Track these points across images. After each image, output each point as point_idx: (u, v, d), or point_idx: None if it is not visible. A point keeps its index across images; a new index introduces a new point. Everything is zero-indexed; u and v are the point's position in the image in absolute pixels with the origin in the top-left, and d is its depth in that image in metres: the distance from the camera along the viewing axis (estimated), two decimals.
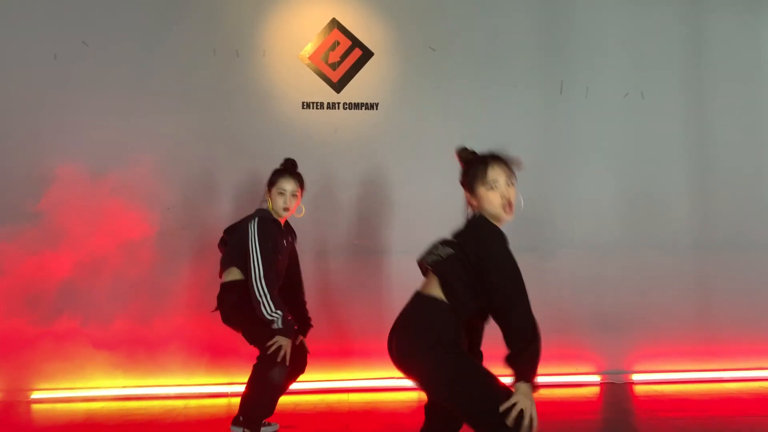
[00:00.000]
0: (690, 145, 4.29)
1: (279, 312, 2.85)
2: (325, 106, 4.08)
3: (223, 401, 3.73)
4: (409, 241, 4.00)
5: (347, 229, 4.07)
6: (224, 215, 3.86)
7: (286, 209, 3.01)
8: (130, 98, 3.94)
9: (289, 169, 3.09)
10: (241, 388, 2.99)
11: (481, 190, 2.20)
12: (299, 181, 3.07)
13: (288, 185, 3.01)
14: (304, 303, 3.26)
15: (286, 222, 3.17)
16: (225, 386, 3.82)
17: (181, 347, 3.89)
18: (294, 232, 3.24)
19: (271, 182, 3.05)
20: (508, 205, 2.19)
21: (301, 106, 4.06)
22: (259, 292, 2.85)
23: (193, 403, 3.71)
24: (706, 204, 4.27)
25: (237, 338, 3.09)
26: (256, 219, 2.96)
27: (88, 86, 3.92)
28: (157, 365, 3.87)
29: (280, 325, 2.84)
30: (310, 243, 3.87)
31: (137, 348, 3.87)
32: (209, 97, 3.99)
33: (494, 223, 2.20)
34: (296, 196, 3.05)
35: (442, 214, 3.96)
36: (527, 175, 4.00)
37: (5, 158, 3.85)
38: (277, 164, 3.20)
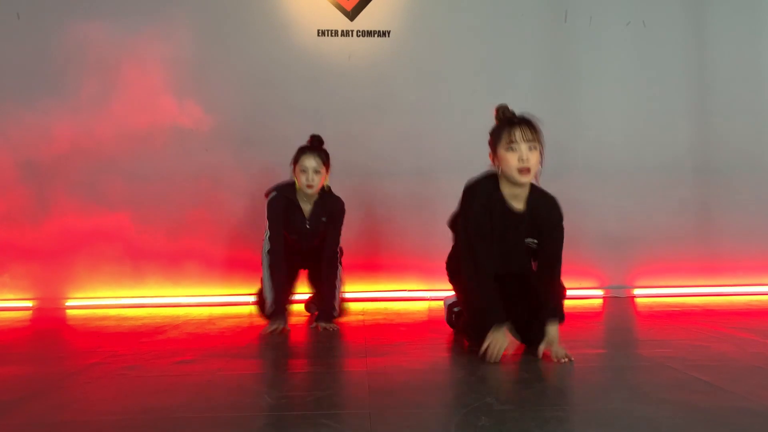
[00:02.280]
0: (691, 71, 4.45)
1: (271, 297, 3.01)
2: (340, 33, 4.28)
3: (245, 310, 3.96)
4: (419, 165, 4.25)
5: (361, 153, 4.27)
6: (241, 140, 4.09)
7: (309, 186, 3.01)
8: (147, 27, 4.17)
9: (312, 146, 3.07)
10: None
11: (501, 151, 2.24)
12: (323, 157, 3.05)
13: (309, 162, 3.00)
14: (327, 295, 3.15)
15: (324, 199, 3.14)
16: (247, 296, 4.04)
17: (209, 260, 4.14)
18: (335, 209, 3.18)
19: (295, 159, 3.05)
20: (526, 169, 2.20)
21: (316, 34, 4.27)
22: (263, 269, 3.05)
23: (217, 310, 3.93)
24: (707, 127, 4.43)
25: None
26: (271, 197, 3.10)
27: (106, 15, 4.16)
28: (182, 275, 4.13)
29: (269, 310, 3.02)
30: None
31: (165, 259, 4.13)
32: (226, 27, 4.22)
33: (505, 183, 2.30)
34: (319, 173, 3.02)
35: (451, 139, 4.21)
36: (533, 99, 4.26)
37: None
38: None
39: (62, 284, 4.09)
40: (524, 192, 2.32)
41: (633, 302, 4.16)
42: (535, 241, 2.35)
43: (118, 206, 4.13)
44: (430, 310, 3.92)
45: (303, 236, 3.14)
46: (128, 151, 4.14)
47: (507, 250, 2.35)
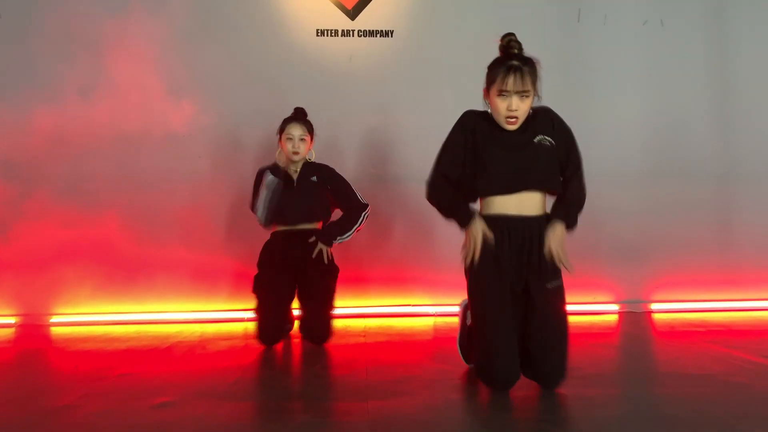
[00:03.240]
0: (710, 73, 4.21)
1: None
2: (340, 33, 4.05)
3: (239, 327, 3.74)
4: (423, 170, 3.98)
5: (362, 158, 4.05)
6: (240, 142, 3.86)
7: (295, 153, 3.17)
8: (145, 28, 3.95)
9: (297, 116, 3.23)
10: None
11: (493, 94, 2.19)
12: (307, 126, 3.22)
13: (296, 131, 3.17)
14: (342, 220, 3.27)
15: (309, 164, 3.27)
16: (242, 312, 3.83)
17: (201, 274, 3.92)
18: (327, 170, 3.29)
19: (281, 129, 3.22)
20: (514, 118, 2.17)
21: (315, 34, 4.04)
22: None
23: (210, 327, 3.72)
24: (727, 132, 4.20)
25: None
26: (258, 169, 3.26)
27: (100, 17, 3.94)
28: (174, 291, 3.91)
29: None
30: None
31: (155, 273, 3.91)
32: (225, 27, 3.99)
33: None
34: (305, 140, 3.19)
35: None
36: (544, 102, 3.99)
37: None
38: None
39: (46, 299, 3.88)
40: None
41: (650, 318, 3.94)
42: (548, 138, 2.24)
43: (104, 213, 3.91)
44: (435, 326, 3.72)
45: (291, 198, 3.18)
46: (118, 154, 3.93)
47: (512, 157, 2.22)
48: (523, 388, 2.15)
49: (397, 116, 4.06)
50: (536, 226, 2.21)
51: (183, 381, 2.41)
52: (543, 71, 4.03)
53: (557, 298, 2.19)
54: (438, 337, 3.38)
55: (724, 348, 2.92)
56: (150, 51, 3.95)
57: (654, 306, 4.09)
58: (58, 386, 2.38)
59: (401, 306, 3.98)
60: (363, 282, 3.98)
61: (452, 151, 2.29)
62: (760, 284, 4.13)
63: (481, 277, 2.19)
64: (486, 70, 2.24)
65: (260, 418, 1.99)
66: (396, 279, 4.03)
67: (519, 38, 2.28)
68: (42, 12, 3.91)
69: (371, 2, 4.06)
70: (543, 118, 2.28)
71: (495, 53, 2.64)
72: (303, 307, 3.20)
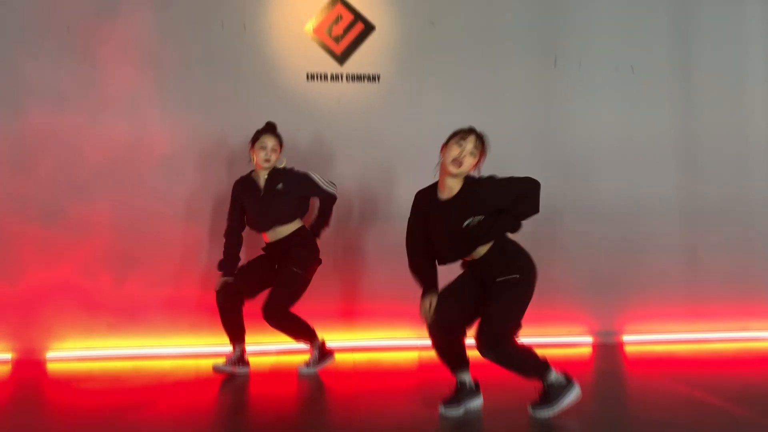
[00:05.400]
0: (678, 116, 4.47)
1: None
2: (329, 77, 4.23)
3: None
4: (409, 208, 4.18)
5: (350, 197, 4.22)
6: (228, 181, 4.00)
7: (267, 161, 3.52)
8: (143, 67, 4.09)
9: (269, 128, 3.58)
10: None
11: (451, 143, 2.75)
12: (278, 138, 3.58)
13: (269, 141, 3.52)
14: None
15: (275, 172, 3.59)
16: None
17: (192, 308, 4.04)
18: (291, 176, 3.59)
19: (254, 139, 3.56)
20: (458, 162, 2.69)
21: (305, 78, 4.21)
22: None
23: (203, 362, 3.85)
24: (694, 171, 4.45)
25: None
26: None
27: (106, 55, 4.07)
28: (168, 325, 4.04)
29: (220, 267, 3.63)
30: (313, 209, 4.03)
31: (149, 309, 4.03)
32: (218, 69, 4.13)
33: (442, 175, 2.80)
34: (276, 150, 3.55)
35: None
36: (522, 143, 4.24)
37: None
38: (282, 132, 3.60)
39: (42, 333, 3.97)
40: (458, 184, 2.76)
41: (623, 351, 4.16)
42: (479, 217, 2.70)
43: (99, 241, 4.02)
44: (420, 359, 3.90)
45: (259, 205, 3.55)
46: (108, 181, 4.05)
47: (451, 237, 2.75)
48: None
49: (384, 157, 4.24)
50: (485, 262, 2.76)
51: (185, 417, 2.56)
52: (522, 112, 4.28)
53: (507, 286, 2.69)
54: (424, 366, 3.56)
55: (689, 388, 3.15)
56: (145, 93, 4.09)
57: (626, 338, 4.32)
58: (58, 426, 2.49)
59: (389, 340, 4.15)
60: (350, 316, 4.15)
61: (414, 233, 2.90)
62: (724, 316, 4.39)
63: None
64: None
65: None
66: (383, 313, 4.19)
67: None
68: (19, 14, 4.03)
69: (359, 48, 4.25)
70: (470, 198, 2.74)
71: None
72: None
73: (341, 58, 4.24)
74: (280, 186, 3.54)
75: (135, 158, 4.07)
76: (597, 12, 4.43)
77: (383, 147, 4.24)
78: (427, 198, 2.84)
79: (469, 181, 2.76)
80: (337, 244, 4.18)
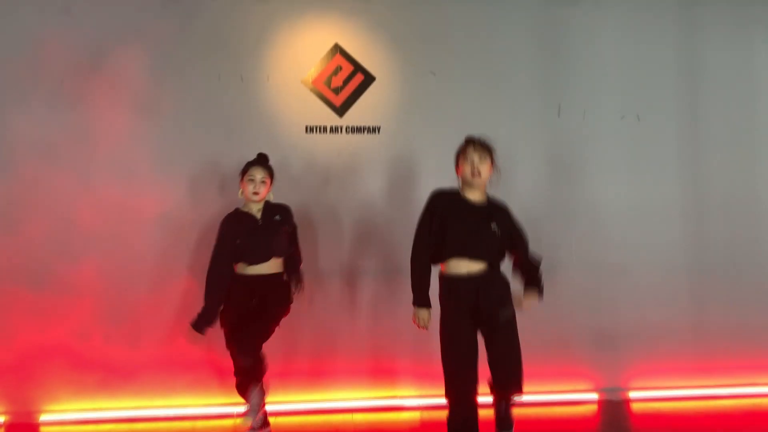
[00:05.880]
0: (684, 167, 4.38)
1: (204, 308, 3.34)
2: (328, 129, 4.15)
3: (229, 422, 3.80)
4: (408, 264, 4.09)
5: (351, 250, 4.14)
6: None
7: (255, 193, 3.40)
8: (137, 120, 4.01)
9: (260, 160, 3.50)
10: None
11: (461, 162, 3.05)
12: (268, 170, 3.48)
13: (257, 173, 3.42)
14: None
15: (270, 204, 3.51)
16: (231, 407, 3.88)
17: (188, 368, 3.95)
18: (284, 211, 3.53)
19: (243, 171, 3.46)
20: (477, 172, 2.97)
21: (304, 130, 4.13)
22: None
23: (200, 424, 3.78)
24: (700, 225, 4.36)
25: None
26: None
27: (100, 107, 3.99)
28: (164, 386, 3.95)
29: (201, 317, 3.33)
30: (312, 264, 3.95)
31: (144, 369, 3.94)
32: (215, 121, 4.04)
33: (465, 186, 3.07)
34: (265, 182, 3.44)
35: None
36: (528, 195, 4.16)
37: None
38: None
39: (35, 395, 3.89)
40: (482, 195, 3.07)
41: (629, 407, 4.08)
42: (497, 228, 3.00)
43: (91, 299, 3.94)
44: (422, 420, 3.82)
45: (259, 235, 3.39)
46: (100, 241, 3.96)
47: (475, 230, 2.97)
48: None
49: (384, 209, 4.15)
50: (486, 282, 2.98)
51: None
52: (525, 162, 4.21)
53: (509, 326, 2.96)
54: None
55: None
56: (143, 144, 4.01)
57: (632, 394, 4.23)
58: None
59: (389, 399, 4.06)
60: (350, 374, 4.06)
61: (426, 230, 3.05)
62: (731, 371, 4.30)
63: (449, 324, 2.94)
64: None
65: None
66: (383, 371, 4.11)
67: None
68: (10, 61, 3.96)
69: (359, 100, 4.17)
70: (495, 210, 3.07)
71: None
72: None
73: (341, 110, 4.16)
74: (278, 217, 3.46)
75: (127, 217, 3.97)
76: (602, 60, 4.35)
77: (383, 198, 4.16)
78: (449, 197, 3.06)
79: (492, 198, 3.11)
80: (334, 300, 4.10)
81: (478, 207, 3.03)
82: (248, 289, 3.37)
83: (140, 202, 3.99)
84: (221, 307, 3.36)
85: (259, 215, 3.44)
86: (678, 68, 4.41)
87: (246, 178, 3.42)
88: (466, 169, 2.97)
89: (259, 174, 3.41)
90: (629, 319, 4.28)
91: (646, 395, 4.22)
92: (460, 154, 3.05)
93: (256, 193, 3.40)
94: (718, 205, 4.37)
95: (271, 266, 3.42)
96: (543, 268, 3.18)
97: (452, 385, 2.89)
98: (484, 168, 2.98)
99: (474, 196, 3.04)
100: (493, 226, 2.98)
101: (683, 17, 4.43)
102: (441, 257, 3.04)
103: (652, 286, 4.30)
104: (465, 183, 3.03)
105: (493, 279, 2.99)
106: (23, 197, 3.92)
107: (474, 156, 2.97)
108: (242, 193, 3.45)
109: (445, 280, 3.03)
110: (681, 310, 4.32)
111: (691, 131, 4.40)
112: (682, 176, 4.37)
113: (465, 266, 2.97)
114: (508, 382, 2.91)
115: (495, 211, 3.05)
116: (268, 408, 3.53)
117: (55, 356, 3.90)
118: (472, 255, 2.96)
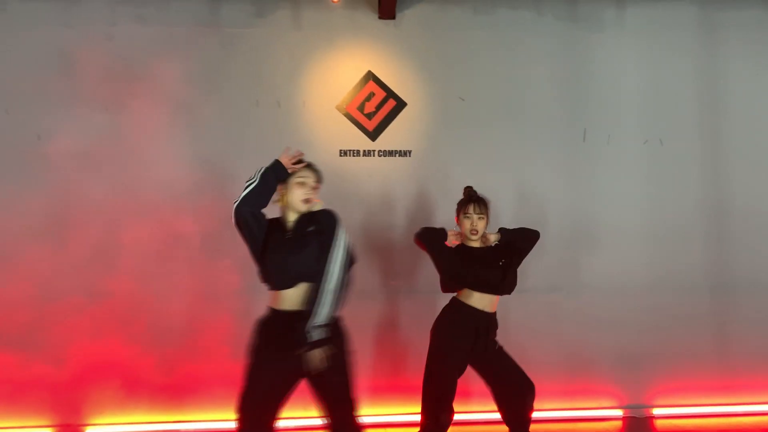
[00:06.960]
0: (707, 189, 4.50)
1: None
2: (361, 153, 4.31)
3: None
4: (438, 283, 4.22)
5: (381, 270, 4.29)
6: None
7: (306, 201, 2.80)
8: (181, 145, 4.21)
9: (310, 165, 2.91)
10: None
11: (461, 217, 3.37)
12: (319, 175, 2.90)
13: (310, 176, 2.84)
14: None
15: (311, 213, 2.83)
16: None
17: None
18: (324, 217, 2.81)
19: (291, 173, 2.84)
20: (475, 231, 3.31)
21: (338, 154, 4.29)
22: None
23: None
24: (723, 246, 4.48)
25: None
26: None
27: (143, 134, 4.19)
28: (210, 401, 4.11)
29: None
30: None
31: (190, 382, 4.11)
32: (253, 146, 4.21)
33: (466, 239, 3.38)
34: (315, 189, 2.85)
35: None
36: (553, 218, 4.29)
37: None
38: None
39: (81, 408, 4.06)
40: (478, 243, 3.37)
41: (653, 424, 4.18)
42: (503, 260, 3.29)
43: (140, 314, 4.11)
44: None
45: (283, 250, 2.73)
46: (147, 256, 4.15)
47: (487, 267, 3.25)
48: None
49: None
50: (494, 319, 3.30)
51: None
52: (550, 186, 4.33)
53: (504, 353, 3.28)
54: None
55: None
56: (171, 168, 4.20)
57: (656, 411, 4.33)
58: None
59: (410, 414, 4.18)
60: (377, 391, 4.20)
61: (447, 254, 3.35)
62: (754, 389, 4.40)
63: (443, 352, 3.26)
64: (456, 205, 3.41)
65: None
66: (409, 388, 4.23)
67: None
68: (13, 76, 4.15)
69: (390, 125, 4.33)
70: (500, 249, 3.35)
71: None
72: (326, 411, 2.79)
73: (373, 135, 4.32)
74: (311, 228, 2.78)
75: (170, 232, 4.16)
76: (625, 87, 4.48)
77: (413, 222, 4.30)
78: (458, 247, 3.39)
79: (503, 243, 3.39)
80: (367, 318, 4.23)
81: (486, 250, 3.37)
82: (271, 343, 2.76)
83: (180, 221, 4.17)
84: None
85: (291, 225, 2.83)
86: (700, 93, 4.53)
87: (294, 181, 2.80)
88: (465, 226, 3.33)
89: (311, 177, 2.85)
90: (653, 338, 4.39)
91: (669, 412, 4.32)
92: (461, 209, 3.37)
93: (307, 201, 2.81)
94: (739, 226, 4.48)
95: (298, 296, 2.73)
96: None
97: (435, 408, 3.23)
98: (482, 225, 3.33)
99: (474, 244, 3.38)
100: (502, 261, 3.30)
101: (706, 42, 4.57)
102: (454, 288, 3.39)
103: (675, 307, 4.42)
104: (465, 237, 3.37)
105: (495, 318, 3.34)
106: (69, 210, 4.12)
107: (474, 216, 3.32)
108: (282, 200, 2.85)
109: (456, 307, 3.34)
110: (703, 330, 4.43)
111: (714, 155, 4.51)
112: (705, 197, 4.49)
113: (478, 300, 3.27)
114: (521, 389, 3.20)
115: (501, 249, 3.36)
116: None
117: (104, 370, 4.08)
118: (490, 284, 3.26)
